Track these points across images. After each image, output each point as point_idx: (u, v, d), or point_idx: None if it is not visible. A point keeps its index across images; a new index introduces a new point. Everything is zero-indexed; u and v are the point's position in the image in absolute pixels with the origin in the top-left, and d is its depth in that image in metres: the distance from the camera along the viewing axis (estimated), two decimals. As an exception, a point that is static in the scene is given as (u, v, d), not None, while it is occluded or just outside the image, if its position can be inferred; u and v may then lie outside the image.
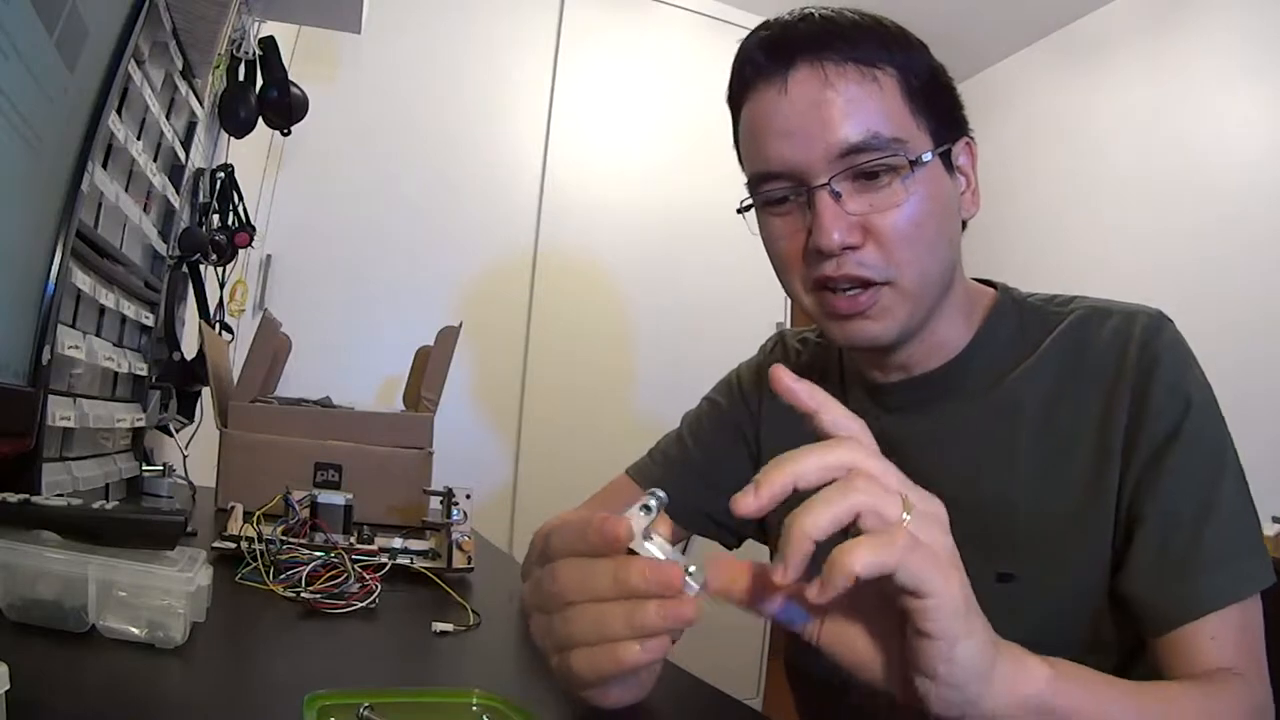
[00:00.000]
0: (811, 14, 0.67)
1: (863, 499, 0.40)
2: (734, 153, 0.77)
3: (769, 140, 0.66)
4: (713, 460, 0.86)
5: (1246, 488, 0.64)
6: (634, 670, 0.42)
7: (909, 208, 0.64)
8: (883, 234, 0.64)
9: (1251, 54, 2.30)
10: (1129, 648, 0.65)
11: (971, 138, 0.72)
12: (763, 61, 0.67)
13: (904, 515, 0.40)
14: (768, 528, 0.86)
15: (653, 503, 0.42)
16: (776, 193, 0.67)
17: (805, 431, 0.42)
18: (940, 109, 0.68)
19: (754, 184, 0.70)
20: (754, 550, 0.94)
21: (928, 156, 0.65)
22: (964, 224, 0.73)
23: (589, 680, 0.44)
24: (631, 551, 0.42)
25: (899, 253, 0.64)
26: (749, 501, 0.40)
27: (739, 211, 0.72)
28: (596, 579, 0.43)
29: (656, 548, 0.42)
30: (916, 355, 0.72)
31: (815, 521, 0.39)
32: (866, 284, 0.65)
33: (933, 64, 0.69)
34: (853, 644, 0.44)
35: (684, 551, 0.43)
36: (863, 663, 0.44)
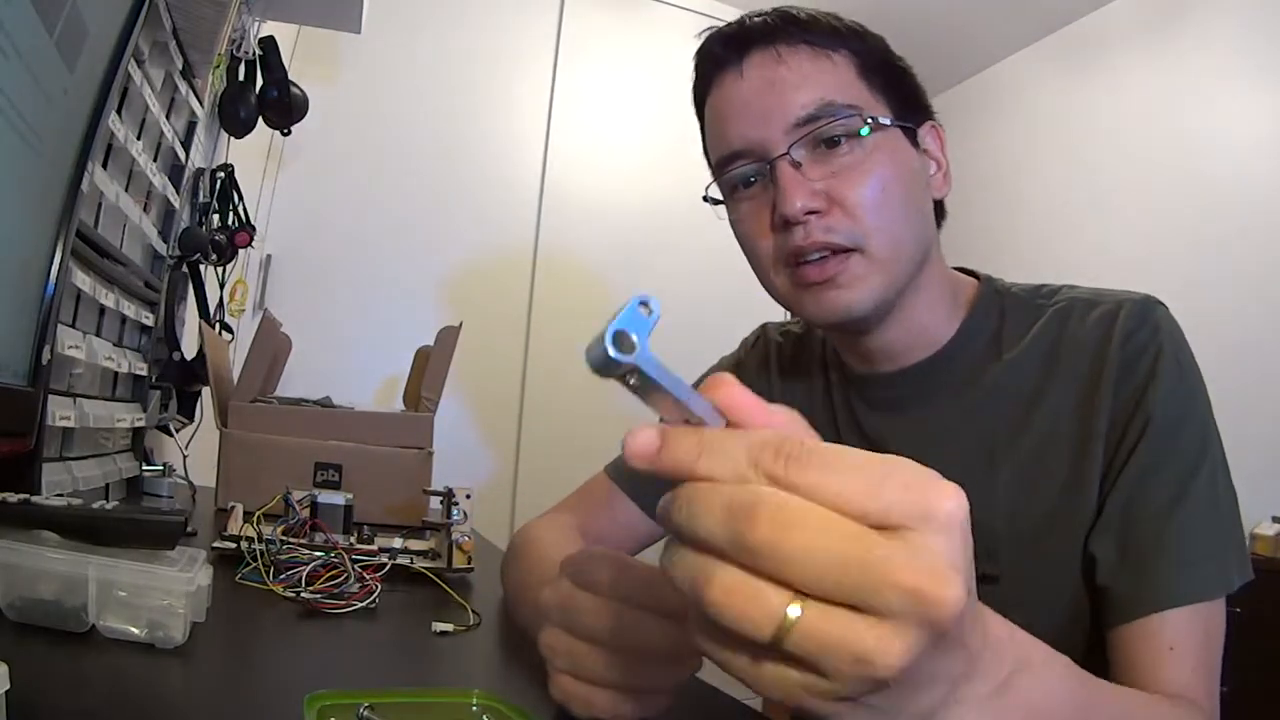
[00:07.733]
0: (767, 11, 0.69)
1: None
2: None
3: (729, 121, 0.68)
4: None
5: (1227, 481, 0.62)
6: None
7: (872, 172, 0.64)
8: (848, 199, 0.63)
9: (1250, 51, 2.30)
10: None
11: (937, 123, 0.72)
12: (720, 53, 0.69)
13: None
14: None
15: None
16: (740, 171, 0.68)
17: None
18: (899, 93, 0.69)
19: (719, 169, 0.70)
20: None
21: (886, 120, 0.66)
22: (941, 205, 0.73)
23: (606, 717, 0.45)
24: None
25: (867, 217, 0.63)
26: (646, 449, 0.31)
27: (705, 199, 0.72)
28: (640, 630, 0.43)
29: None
30: (898, 343, 0.70)
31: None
32: (835, 250, 0.64)
33: (889, 52, 0.70)
34: None
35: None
36: None
